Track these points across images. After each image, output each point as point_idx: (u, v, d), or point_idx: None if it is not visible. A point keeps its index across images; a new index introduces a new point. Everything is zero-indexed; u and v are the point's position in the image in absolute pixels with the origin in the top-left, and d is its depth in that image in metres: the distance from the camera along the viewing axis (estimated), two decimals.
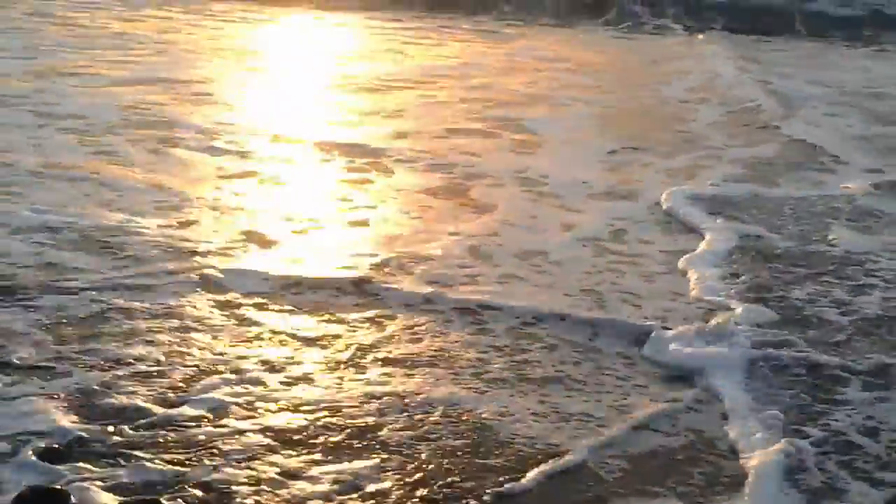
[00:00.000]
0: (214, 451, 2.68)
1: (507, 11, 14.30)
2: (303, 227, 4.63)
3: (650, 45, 12.39)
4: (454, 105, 7.90)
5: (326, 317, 3.62)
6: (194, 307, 3.65)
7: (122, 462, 2.60)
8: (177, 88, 7.84)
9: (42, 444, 2.64)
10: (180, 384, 3.05)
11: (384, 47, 10.78)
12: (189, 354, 3.26)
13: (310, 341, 3.42)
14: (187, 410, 2.88)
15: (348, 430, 2.83)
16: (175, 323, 3.51)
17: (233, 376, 3.12)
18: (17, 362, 3.13)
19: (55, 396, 2.92)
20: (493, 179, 5.70)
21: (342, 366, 3.25)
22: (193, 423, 2.82)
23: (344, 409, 2.95)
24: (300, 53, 10.57)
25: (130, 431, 2.76)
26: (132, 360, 3.19)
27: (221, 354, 3.28)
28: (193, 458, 2.64)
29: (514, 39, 12.32)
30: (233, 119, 6.84)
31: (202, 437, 2.75)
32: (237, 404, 2.94)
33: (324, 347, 3.38)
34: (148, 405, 2.89)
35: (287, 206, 4.98)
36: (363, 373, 3.21)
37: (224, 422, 2.84)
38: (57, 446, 2.65)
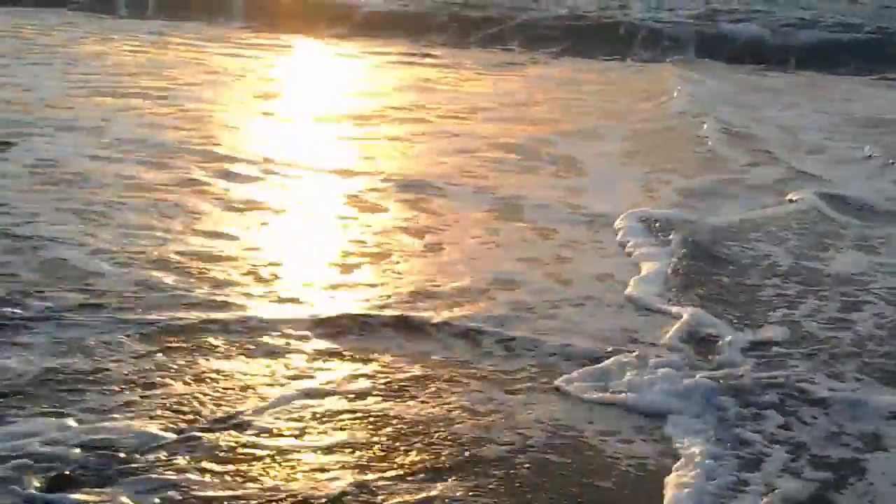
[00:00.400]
0: (295, 469, 2.82)
1: (516, 42, 14.42)
2: (379, 254, 4.77)
3: (654, 73, 12.59)
4: (488, 131, 8.08)
5: (416, 340, 3.77)
6: (272, 329, 3.78)
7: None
8: (215, 117, 8.00)
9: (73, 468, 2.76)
10: (254, 403, 3.18)
11: (408, 77, 10.89)
12: (264, 374, 3.40)
13: (399, 360, 3.58)
14: (261, 427, 3.02)
15: (449, 448, 2.97)
16: (254, 342, 3.65)
17: (318, 387, 3.31)
18: (94, 378, 3.30)
19: (125, 413, 3.07)
20: (544, 204, 5.89)
21: (437, 384, 3.39)
22: (268, 442, 2.95)
23: (444, 426, 3.10)
24: (329, 83, 10.61)
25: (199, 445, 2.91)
26: (209, 378, 3.35)
27: (307, 377, 3.40)
28: (272, 476, 2.78)
29: (527, 67, 12.55)
30: (279, 149, 6.92)
31: (280, 456, 2.89)
32: (322, 421, 3.09)
33: (416, 365, 3.54)
34: (222, 422, 3.04)
35: (356, 233, 5.11)
36: (460, 390, 3.36)
37: (308, 439, 2.98)
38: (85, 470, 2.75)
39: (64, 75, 9.44)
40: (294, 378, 3.37)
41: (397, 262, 4.68)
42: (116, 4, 15.40)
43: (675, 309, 4.19)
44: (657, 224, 5.45)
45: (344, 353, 3.61)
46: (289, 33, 14.18)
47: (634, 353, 3.69)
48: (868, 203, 6.22)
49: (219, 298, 4.05)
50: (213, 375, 3.37)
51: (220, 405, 3.15)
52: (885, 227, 5.72)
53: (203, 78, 9.93)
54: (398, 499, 2.70)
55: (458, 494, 2.74)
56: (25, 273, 4.22)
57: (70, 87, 8.83)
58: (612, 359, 3.64)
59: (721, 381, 3.47)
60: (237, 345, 3.62)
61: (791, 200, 6.16)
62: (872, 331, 4.09)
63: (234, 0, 15.96)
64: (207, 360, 3.49)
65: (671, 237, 5.17)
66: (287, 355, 3.57)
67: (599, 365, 3.60)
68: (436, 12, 15.66)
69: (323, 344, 3.68)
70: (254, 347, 3.61)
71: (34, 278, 4.16)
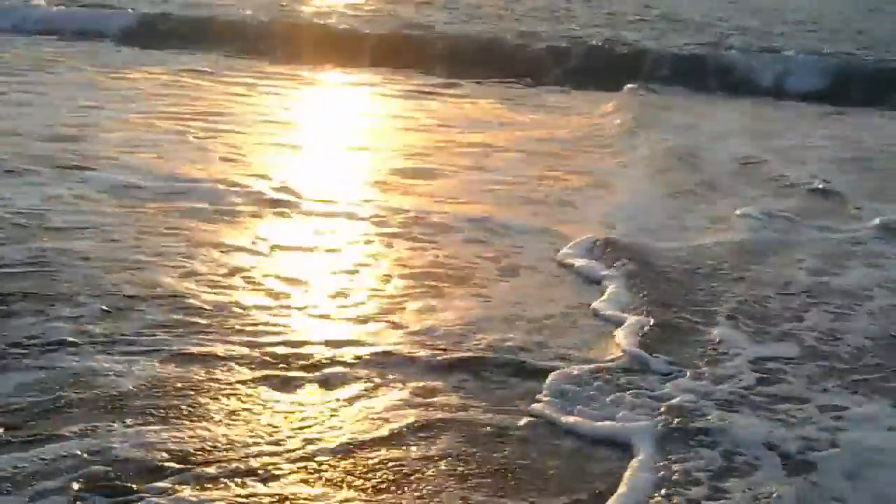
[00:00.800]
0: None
1: (533, 73, 14.50)
2: (459, 283, 4.97)
3: (666, 102, 12.87)
4: (526, 158, 8.40)
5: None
6: (359, 364, 3.92)
7: None
8: (261, 148, 8.20)
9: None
10: (331, 442, 3.31)
11: (439, 110, 11.04)
12: (346, 410, 3.53)
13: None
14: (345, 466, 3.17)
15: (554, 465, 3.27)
16: (337, 377, 3.80)
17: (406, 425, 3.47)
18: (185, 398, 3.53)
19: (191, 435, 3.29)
20: (596, 221, 6.28)
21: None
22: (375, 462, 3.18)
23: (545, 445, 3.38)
24: (362, 116, 10.56)
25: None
26: (294, 409, 3.52)
27: (400, 408, 3.57)
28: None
29: (544, 96, 12.83)
30: (333, 187, 6.91)
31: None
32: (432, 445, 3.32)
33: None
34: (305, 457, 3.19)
35: (430, 260, 5.29)
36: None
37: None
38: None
39: (104, 104, 9.70)
40: (378, 416, 3.48)
41: (482, 289, 4.91)
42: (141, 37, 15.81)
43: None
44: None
45: (442, 389, 3.74)
46: (306, 63, 14.33)
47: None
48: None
49: (305, 329, 4.23)
50: (294, 408, 3.52)
51: (302, 436, 3.31)
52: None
53: (237, 107, 10.17)
54: None
55: None
56: (126, 292, 4.49)
57: (115, 115, 9.09)
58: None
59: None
60: (316, 377, 3.77)
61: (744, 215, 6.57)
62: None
63: (245, 32, 16.28)
64: (292, 390, 3.66)
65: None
66: (377, 391, 3.70)
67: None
68: (448, 39, 15.90)
69: (411, 370, 3.86)
70: (338, 381, 3.75)
71: (132, 299, 4.41)
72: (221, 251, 5.22)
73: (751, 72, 14.32)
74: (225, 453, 3.15)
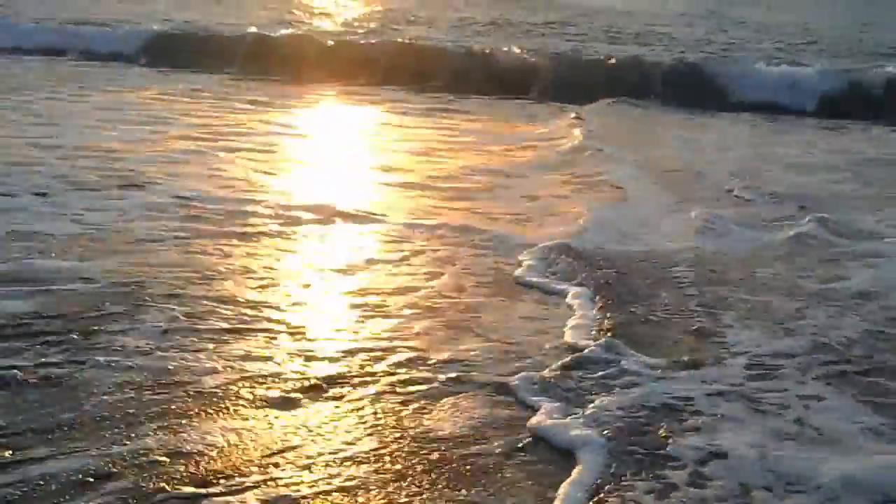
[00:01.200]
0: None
1: (535, 92, 14.82)
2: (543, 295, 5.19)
3: (670, 117, 13.21)
4: (545, 166, 8.79)
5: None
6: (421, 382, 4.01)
7: None
8: (293, 163, 8.51)
9: None
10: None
11: (449, 127, 11.30)
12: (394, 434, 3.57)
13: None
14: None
15: None
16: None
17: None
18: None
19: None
20: (618, 227, 6.59)
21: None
22: None
23: None
24: (371, 136, 10.68)
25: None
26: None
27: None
28: None
29: (543, 111, 13.18)
30: (382, 203, 7.05)
31: None
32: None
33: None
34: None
35: (512, 276, 5.46)
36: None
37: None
38: None
39: (136, 123, 9.99)
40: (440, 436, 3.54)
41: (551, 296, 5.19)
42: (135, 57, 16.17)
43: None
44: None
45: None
46: (311, 82, 14.68)
47: None
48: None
49: (383, 336, 4.41)
50: (368, 411, 3.67)
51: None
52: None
53: (264, 126, 10.43)
54: None
55: None
56: (206, 300, 4.75)
57: (149, 133, 9.37)
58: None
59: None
60: (392, 382, 3.92)
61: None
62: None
63: (256, 50, 16.56)
64: (368, 396, 3.79)
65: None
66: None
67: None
68: (451, 57, 16.16)
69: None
70: (416, 387, 3.90)
71: (212, 307, 4.65)
72: (290, 261, 5.48)
73: (747, 86, 14.67)
74: (313, 448, 3.36)
